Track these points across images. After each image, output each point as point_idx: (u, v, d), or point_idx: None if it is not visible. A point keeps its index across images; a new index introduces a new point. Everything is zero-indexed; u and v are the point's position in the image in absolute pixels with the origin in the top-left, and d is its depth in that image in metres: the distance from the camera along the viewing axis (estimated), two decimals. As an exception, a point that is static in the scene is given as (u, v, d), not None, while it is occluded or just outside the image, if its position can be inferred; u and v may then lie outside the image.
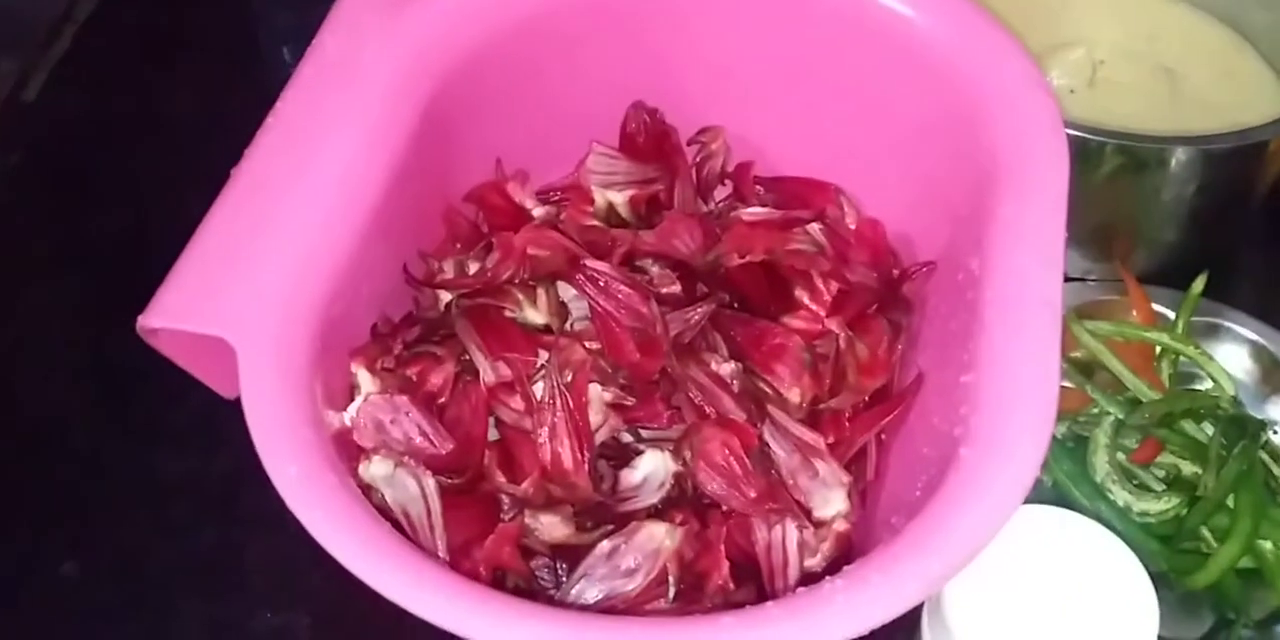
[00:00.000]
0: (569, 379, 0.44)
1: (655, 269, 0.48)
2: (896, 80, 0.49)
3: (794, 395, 0.46)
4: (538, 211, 0.52)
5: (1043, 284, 0.40)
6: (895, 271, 0.50)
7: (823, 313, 0.48)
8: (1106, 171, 0.54)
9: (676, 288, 0.48)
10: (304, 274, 0.41)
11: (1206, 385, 0.54)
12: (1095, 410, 0.52)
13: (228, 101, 0.65)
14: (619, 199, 0.51)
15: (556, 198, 0.53)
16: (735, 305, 0.48)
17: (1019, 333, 0.39)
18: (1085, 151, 0.53)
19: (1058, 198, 0.42)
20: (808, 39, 0.51)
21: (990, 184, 0.44)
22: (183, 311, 0.40)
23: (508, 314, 0.47)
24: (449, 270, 0.49)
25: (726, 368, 0.46)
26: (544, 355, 0.45)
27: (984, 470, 0.37)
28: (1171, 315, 0.55)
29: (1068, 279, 0.56)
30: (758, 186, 0.55)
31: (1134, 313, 0.55)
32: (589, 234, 0.49)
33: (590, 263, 0.46)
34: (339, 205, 0.43)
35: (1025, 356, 0.39)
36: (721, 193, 0.56)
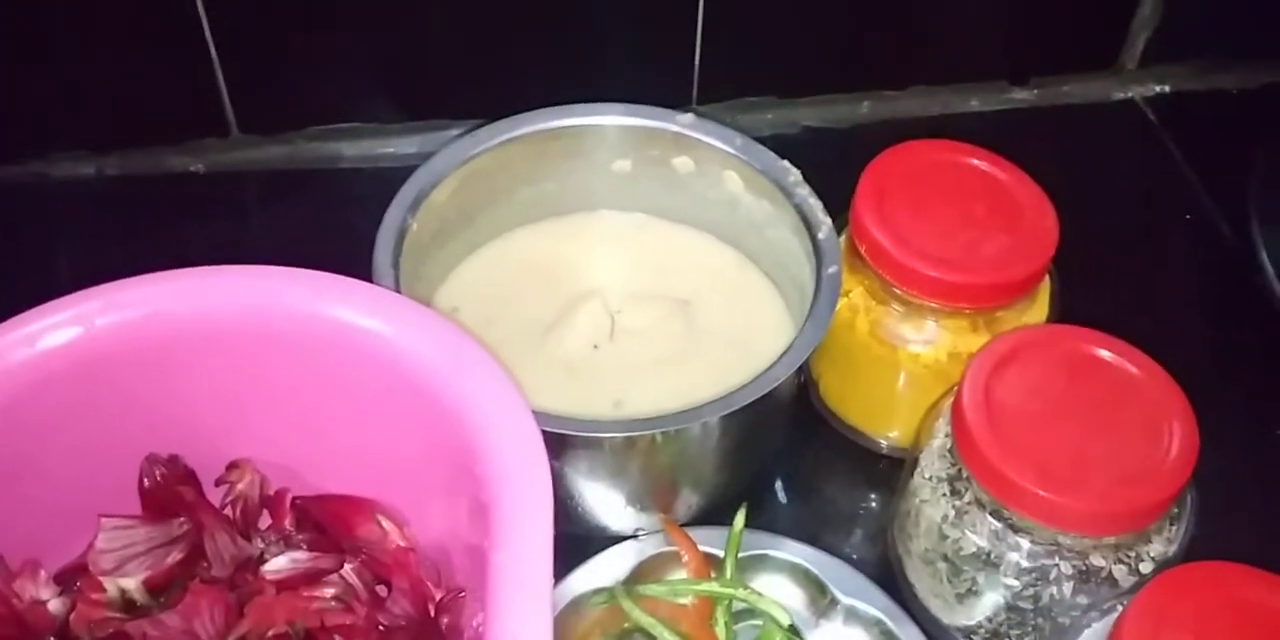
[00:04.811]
0: None
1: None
2: (390, 401, 0.50)
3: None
4: (54, 604, 0.49)
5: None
6: (432, 604, 0.50)
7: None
8: (640, 450, 0.55)
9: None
10: None
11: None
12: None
13: None
14: (132, 584, 0.49)
15: (77, 585, 0.50)
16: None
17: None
18: (613, 444, 0.54)
19: (543, 545, 0.43)
20: (303, 362, 0.51)
21: (485, 519, 0.45)
22: None
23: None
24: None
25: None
26: None
27: None
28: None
29: (619, 538, 0.59)
30: (296, 513, 0.54)
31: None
32: (101, 629, 0.47)
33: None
34: None
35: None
36: (268, 520, 0.55)
